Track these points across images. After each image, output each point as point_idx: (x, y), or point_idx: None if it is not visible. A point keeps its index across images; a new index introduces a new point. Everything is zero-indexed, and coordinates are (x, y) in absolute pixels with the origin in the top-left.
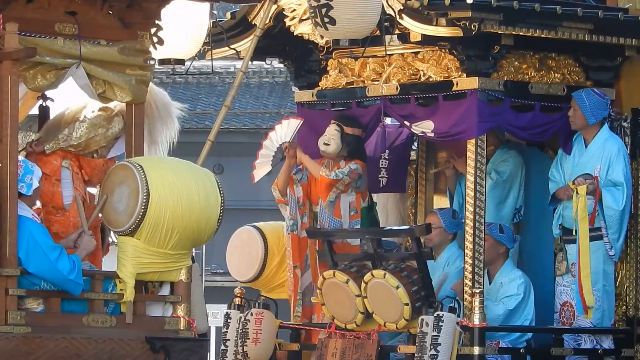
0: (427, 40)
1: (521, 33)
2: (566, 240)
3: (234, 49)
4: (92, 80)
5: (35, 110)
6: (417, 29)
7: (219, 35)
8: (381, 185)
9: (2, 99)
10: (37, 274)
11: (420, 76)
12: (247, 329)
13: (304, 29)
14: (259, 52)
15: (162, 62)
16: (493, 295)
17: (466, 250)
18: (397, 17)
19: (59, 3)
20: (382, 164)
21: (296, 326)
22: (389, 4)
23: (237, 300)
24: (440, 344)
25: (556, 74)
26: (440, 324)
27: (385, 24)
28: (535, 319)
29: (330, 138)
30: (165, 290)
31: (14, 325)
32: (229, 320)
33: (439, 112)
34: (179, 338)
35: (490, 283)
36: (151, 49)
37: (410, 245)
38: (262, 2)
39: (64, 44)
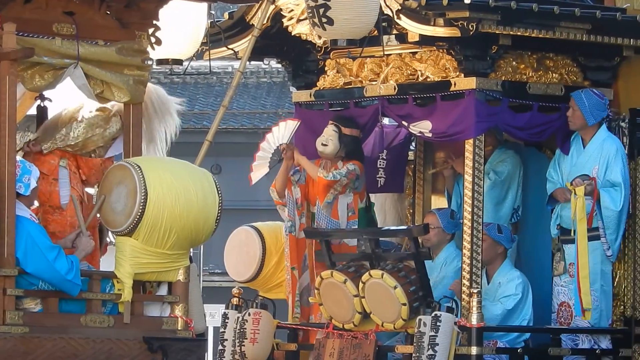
0: (424, 41)
1: (519, 33)
2: (564, 240)
3: (231, 49)
4: (89, 81)
5: (33, 111)
6: (414, 29)
7: (216, 36)
8: (379, 185)
9: (0, 99)
10: (35, 274)
11: (418, 76)
12: (245, 329)
13: (301, 29)
14: (257, 52)
15: (160, 62)
16: (491, 295)
17: (464, 250)
18: (395, 17)
19: (57, 3)
20: (380, 164)
21: (294, 326)
22: (386, 4)
23: (234, 300)
24: (437, 344)
25: (554, 74)
26: (438, 324)
27: (383, 24)
28: (532, 318)
29: (328, 139)
30: (163, 290)
31: (12, 325)
32: (226, 320)
33: (436, 112)
34: (176, 338)
35: (488, 283)
36: (149, 49)
37: (408, 245)
38: (260, 2)
39: (62, 44)
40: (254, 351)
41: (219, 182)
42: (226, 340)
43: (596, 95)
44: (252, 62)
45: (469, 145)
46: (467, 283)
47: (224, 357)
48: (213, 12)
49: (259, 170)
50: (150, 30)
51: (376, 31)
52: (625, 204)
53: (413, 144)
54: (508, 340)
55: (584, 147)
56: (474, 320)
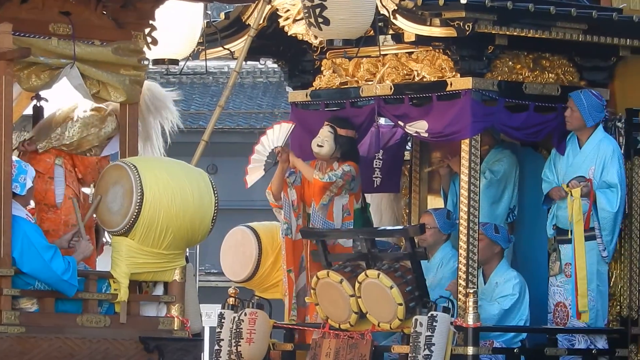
0: (421, 41)
1: (515, 33)
2: (560, 241)
3: (227, 49)
4: (86, 81)
5: (29, 111)
6: (411, 29)
7: (212, 36)
8: (375, 185)
9: None
10: (31, 274)
11: (414, 76)
12: (241, 329)
13: (297, 29)
14: (253, 52)
15: (156, 62)
16: (488, 295)
17: (460, 250)
18: (391, 17)
19: (53, 3)
20: (376, 164)
21: (290, 326)
22: (383, 4)
23: (231, 300)
24: (434, 344)
25: (550, 74)
26: (434, 324)
27: (379, 24)
28: (529, 319)
29: (324, 140)
30: (159, 290)
31: (8, 325)
32: (222, 320)
33: (433, 112)
34: (172, 338)
35: (485, 283)
36: (145, 49)
37: (404, 245)
38: (256, 2)
39: (58, 44)
40: (250, 351)
41: (215, 182)
42: (222, 340)
43: (595, 97)
44: (248, 62)
45: (465, 145)
46: (464, 283)
47: (220, 357)
48: (209, 12)
49: (254, 173)
50: (147, 30)
51: (372, 31)
52: (621, 205)
53: (409, 144)
54: (504, 340)
55: (580, 148)
56: (470, 320)
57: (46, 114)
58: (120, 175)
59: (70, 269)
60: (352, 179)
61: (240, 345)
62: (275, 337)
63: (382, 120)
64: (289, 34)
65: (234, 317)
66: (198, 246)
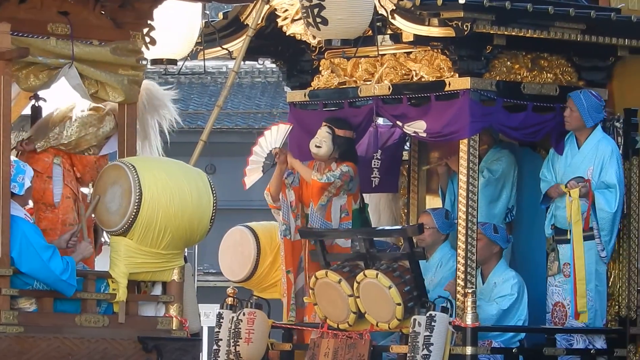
0: (419, 41)
1: (513, 33)
2: (558, 241)
3: (226, 49)
4: (84, 80)
5: (27, 110)
6: (409, 29)
7: (211, 36)
8: (373, 185)
9: None
10: (29, 274)
11: (412, 76)
12: (240, 328)
13: (296, 29)
14: (251, 52)
15: (155, 62)
16: (486, 295)
17: (459, 250)
18: (390, 17)
19: (52, 3)
20: (374, 164)
21: (289, 326)
22: (381, 4)
23: (229, 300)
24: (432, 344)
25: (548, 74)
26: (433, 323)
27: (378, 24)
28: (528, 319)
29: (322, 140)
30: (158, 290)
31: (7, 325)
32: (221, 320)
33: (431, 112)
34: (171, 338)
35: (483, 283)
36: (143, 49)
37: (403, 245)
38: (255, 2)
39: (57, 44)
40: (248, 351)
41: (214, 182)
42: (221, 340)
43: (594, 97)
44: (247, 62)
45: (463, 145)
46: (462, 283)
47: (219, 356)
48: (207, 12)
49: (252, 174)
50: (145, 30)
51: (370, 31)
52: (619, 205)
53: (407, 143)
54: (503, 340)
55: (578, 148)
56: (468, 320)
57: (44, 113)
58: (118, 175)
59: (68, 268)
60: (351, 180)
61: (238, 345)
62: (273, 337)
63: (380, 120)
64: (287, 34)
65: (233, 317)
66: (196, 246)
